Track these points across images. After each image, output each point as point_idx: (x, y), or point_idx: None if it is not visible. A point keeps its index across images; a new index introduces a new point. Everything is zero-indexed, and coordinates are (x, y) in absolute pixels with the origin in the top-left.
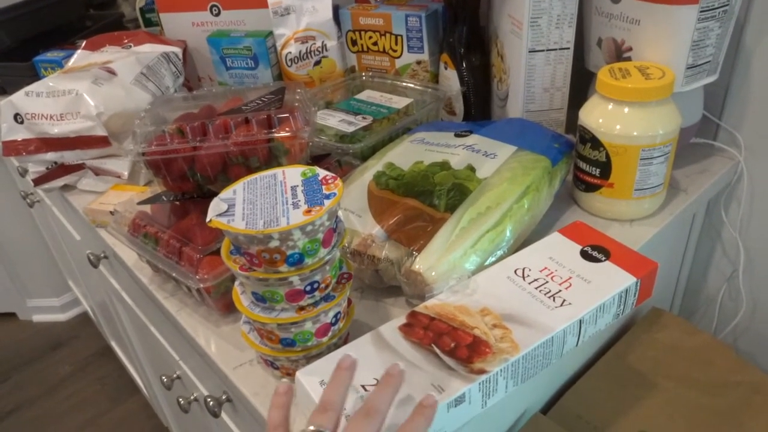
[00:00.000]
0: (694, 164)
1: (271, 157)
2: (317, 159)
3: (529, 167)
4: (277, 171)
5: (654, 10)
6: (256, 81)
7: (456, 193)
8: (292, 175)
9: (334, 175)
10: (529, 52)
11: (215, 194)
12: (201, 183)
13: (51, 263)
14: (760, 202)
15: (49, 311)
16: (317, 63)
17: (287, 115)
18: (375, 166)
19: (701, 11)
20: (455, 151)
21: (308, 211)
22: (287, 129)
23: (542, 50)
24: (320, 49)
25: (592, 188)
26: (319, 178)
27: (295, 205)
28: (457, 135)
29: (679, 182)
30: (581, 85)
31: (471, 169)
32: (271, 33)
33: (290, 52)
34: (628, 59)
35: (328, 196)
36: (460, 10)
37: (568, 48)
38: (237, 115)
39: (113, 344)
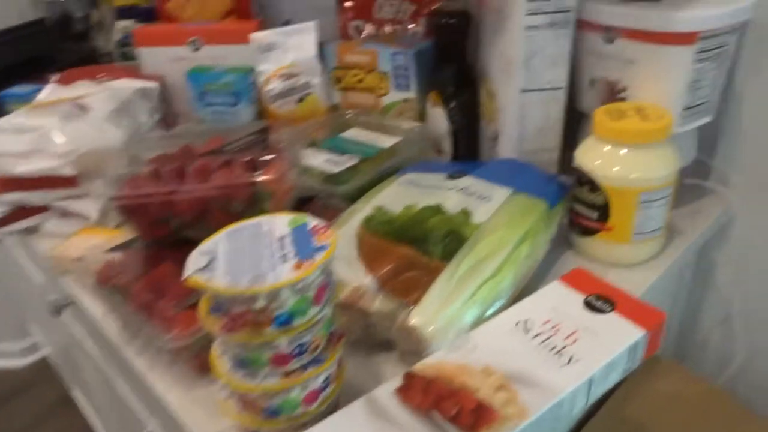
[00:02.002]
0: (689, 205)
1: (255, 202)
2: (302, 202)
3: (526, 211)
4: (263, 219)
5: (650, 50)
6: (237, 118)
7: (452, 240)
8: (280, 223)
9: (325, 224)
10: (522, 91)
11: (193, 240)
12: (178, 229)
13: (10, 305)
14: (753, 243)
15: (6, 356)
16: (301, 100)
17: (272, 156)
18: (364, 209)
19: (698, 52)
20: (448, 193)
21: (298, 266)
22: (272, 172)
23: (535, 90)
24: (304, 86)
25: (589, 232)
26: (309, 227)
27: (284, 259)
28: (449, 176)
29: (675, 224)
30: (572, 125)
31: (466, 213)
32: (253, 69)
33: (273, 89)
34: (623, 99)
35: (319, 249)
36: (449, 49)
37: (562, 88)
38: (218, 157)
39: (76, 394)
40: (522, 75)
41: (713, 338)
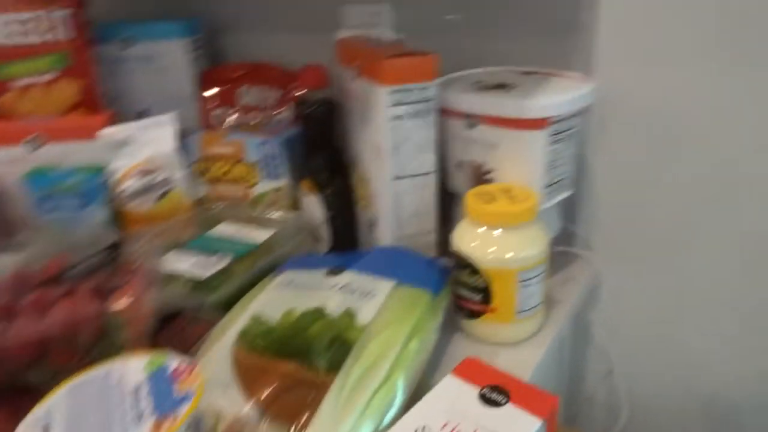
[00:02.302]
0: (560, 273)
1: (105, 334)
2: (166, 320)
3: (411, 304)
4: (113, 367)
5: (508, 135)
6: (87, 222)
7: (338, 348)
8: (134, 369)
9: (189, 363)
10: (394, 178)
11: (33, 385)
12: (12, 375)
13: None
14: (621, 301)
15: None
16: (162, 197)
17: (125, 277)
18: (239, 320)
19: (551, 135)
20: (329, 293)
21: (158, 427)
22: (126, 296)
23: (407, 176)
24: (164, 182)
25: (474, 315)
26: (169, 371)
27: (139, 418)
28: (329, 273)
29: (551, 294)
30: (445, 205)
31: (350, 314)
32: (104, 167)
33: (128, 187)
34: (490, 180)
35: (183, 400)
36: (318, 136)
37: (432, 172)
38: (58, 285)
39: None
40: (392, 163)
41: (599, 395)
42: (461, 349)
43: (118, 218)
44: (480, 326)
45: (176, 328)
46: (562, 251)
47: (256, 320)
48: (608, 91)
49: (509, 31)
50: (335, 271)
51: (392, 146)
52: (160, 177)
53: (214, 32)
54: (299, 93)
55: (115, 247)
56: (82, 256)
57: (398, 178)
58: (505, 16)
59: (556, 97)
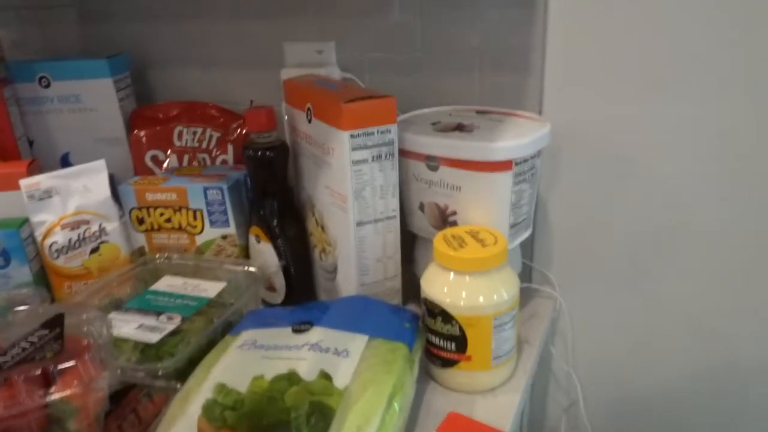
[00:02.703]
0: (524, 309)
1: (51, 425)
2: (115, 397)
3: (388, 360)
4: None
5: (473, 177)
6: (8, 282)
7: (318, 417)
8: None
9: None
10: (357, 224)
11: None
12: None
13: None
14: (581, 332)
15: None
16: (94, 250)
17: (73, 361)
18: (201, 390)
19: (515, 176)
20: (300, 353)
21: None
22: (75, 381)
23: (370, 222)
24: (97, 234)
25: (449, 363)
26: None
27: None
28: (295, 330)
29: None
30: (405, 246)
31: (326, 377)
32: (26, 221)
33: (56, 242)
34: (454, 222)
35: None
36: (269, 180)
37: (395, 216)
38: None
39: None
40: (354, 208)
41: (562, 427)
42: (436, 400)
43: (46, 276)
44: (455, 375)
45: (128, 407)
46: (525, 287)
47: (222, 390)
48: (558, 128)
49: (457, 70)
50: (302, 327)
51: (354, 191)
52: (92, 229)
53: (143, 69)
54: (247, 134)
55: (57, 323)
56: (17, 334)
57: (361, 223)
58: (452, 54)
59: (520, 140)
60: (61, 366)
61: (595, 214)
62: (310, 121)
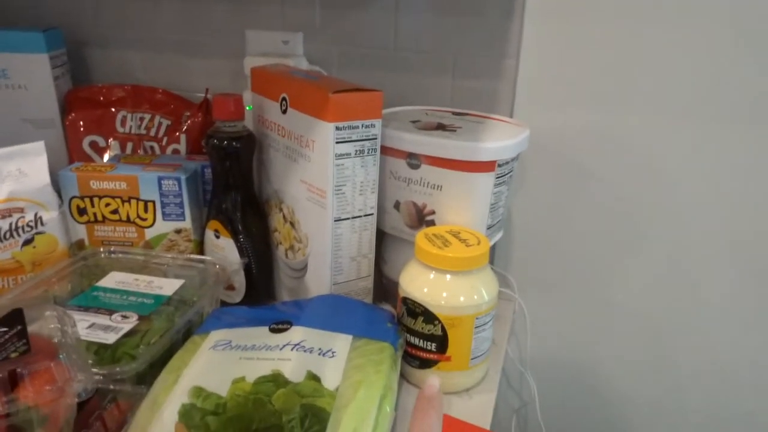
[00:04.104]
0: None
1: None
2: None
3: (376, 361)
4: None
5: (456, 177)
6: None
7: (312, 420)
8: None
9: None
10: (335, 221)
11: None
12: None
13: None
14: (538, 334)
15: None
16: (28, 242)
17: (43, 362)
18: (173, 394)
19: (497, 177)
20: (283, 354)
21: None
22: (47, 386)
23: (347, 218)
24: (32, 224)
25: (427, 364)
26: None
27: None
28: (273, 330)
29: None
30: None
31: (314, 378)
32: None
33: None
34: (431, 222)
35: None
36: (233, 172)
37: (373, 214)
38: None
39: None
40: (334, 204)
41: (512, 427)
42: (413, 400)
43: None
44: (431, 376)
45: (91, 414)
46: None
47: (199, 393)
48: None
49: (430, 70)
50: (280, 327)
51: (335, 186)
52: (26, 218)
53: (79, 47)
54: (204, 123)
55: (17, 319)
56: None
57: (338, 220)
58: (426, 54)
59: (504, 141)
60: (30, 367)
61: (555, 220)
62: (284, 112)
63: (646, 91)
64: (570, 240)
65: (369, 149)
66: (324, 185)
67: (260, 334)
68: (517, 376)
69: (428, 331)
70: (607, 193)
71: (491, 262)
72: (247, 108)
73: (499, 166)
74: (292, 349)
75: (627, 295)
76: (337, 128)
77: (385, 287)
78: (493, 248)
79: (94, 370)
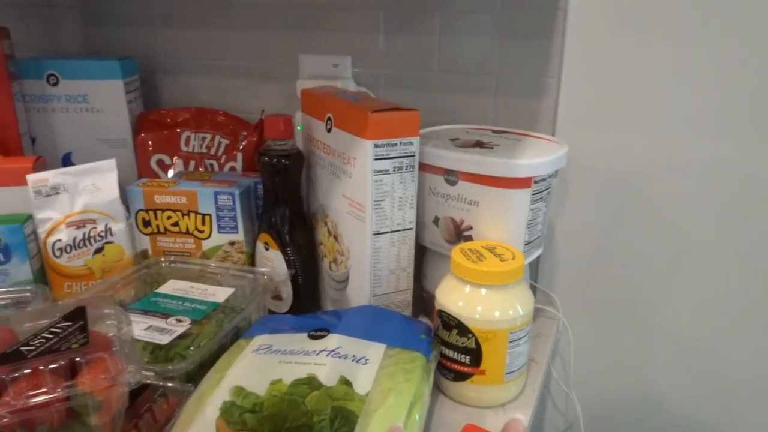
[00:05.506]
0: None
1: (73, 419)
2: (129, 397)
3: (407, 369)
4: None
5: (492, 193)
6: (6, 279)
7: (341, 422)
8: None
9: None
10: (374, 234)
11: None
12: None
13: None
14: (583, 355)
15: None
16: (99, 251)
17: (102, 352)
18: (216, 392)
19: (533, 194)
20: (318, 359)
21: None
22: (102, 374)
23: (386, 232)
24: (103, 234)
25: (462, 377)
26: None
27: None
28: (311, 336)
29: None
30: (416, 259)
31: (346, 383)
32: (30, 217)
33: (59, 240)
34: (469, 237)
35: None
36: (282, 188)
37: (411, 228)
38: (17, 364)
39: None
40: (372, 218)
41: None
42: (447, 413)
43: (47, 274)
44: (466, 389)
45: (143, 406)
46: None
47: (240, 392)
48: (569, 152)
49: (472, 90)
50: (318, 334)
51: (374, 201)
52: (98, 229)
53: (150, 74)
54: (258, 143)
55: (80, 316)
56: (32, 322)
57: (377, 233)
58: (468, 75)
59: (540, 158)
60: (88, 357)
61: (599, 240)
62: (329, 131)
63: (689, 112)
64: (616, 260)
65: (407, 166)
66: (363, 200)
67: (299, 340)
68: (563, 397)
69: (462, 343)
70: (653, 214)
71: (534, 279)
72: (298, 128)
73: (536, 182)
74: (327, 355)
75: (675, 319)
76: (376, 145)
77: (425, 301)
78: (536, 266)
79: (149, 367)
